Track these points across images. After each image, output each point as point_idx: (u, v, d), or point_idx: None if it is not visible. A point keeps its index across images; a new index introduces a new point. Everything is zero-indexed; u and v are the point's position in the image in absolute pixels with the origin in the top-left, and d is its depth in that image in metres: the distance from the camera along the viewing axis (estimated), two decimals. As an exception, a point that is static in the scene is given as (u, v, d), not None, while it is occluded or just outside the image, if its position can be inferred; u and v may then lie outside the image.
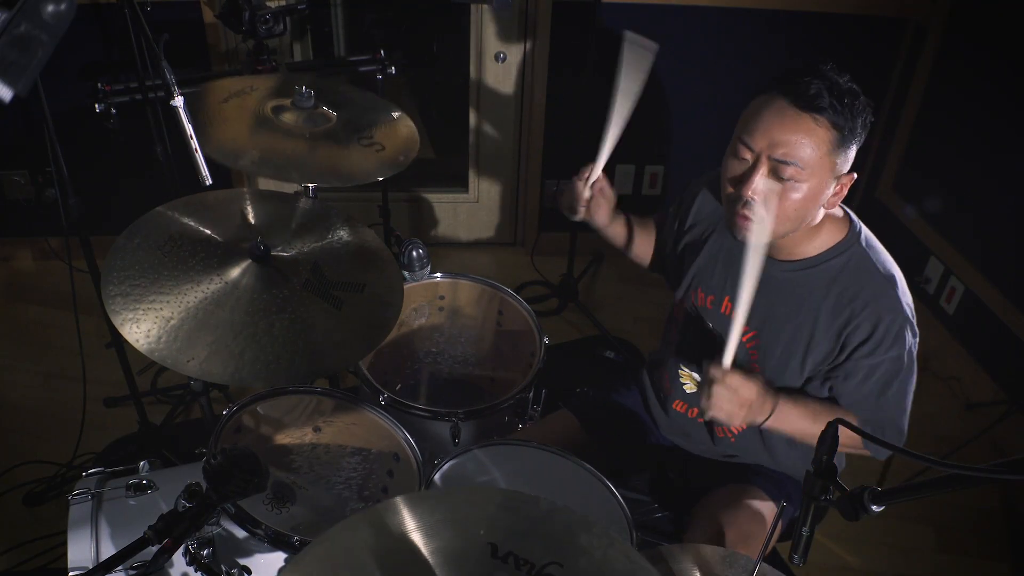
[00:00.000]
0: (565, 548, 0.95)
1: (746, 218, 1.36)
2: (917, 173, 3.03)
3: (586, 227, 3.00)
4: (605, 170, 1.67)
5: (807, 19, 2.89)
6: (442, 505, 0.97)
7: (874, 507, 0.98)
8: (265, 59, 2.29)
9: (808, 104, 1.28)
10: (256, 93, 1.91)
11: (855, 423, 1.47)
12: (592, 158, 1.66)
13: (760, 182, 1.33)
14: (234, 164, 1.74)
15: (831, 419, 1.05)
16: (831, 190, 1.37)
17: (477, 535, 0.95)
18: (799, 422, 1.45)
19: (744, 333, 1.52)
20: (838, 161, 1.34)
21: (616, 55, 1.56)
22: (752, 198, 1.34)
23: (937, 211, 2.91)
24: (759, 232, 1.33)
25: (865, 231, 1.47)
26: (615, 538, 0.97)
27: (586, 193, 1.65)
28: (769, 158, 1.32)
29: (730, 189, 1.39)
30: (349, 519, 0.94)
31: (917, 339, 1.45)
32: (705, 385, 1.37)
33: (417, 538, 0.93)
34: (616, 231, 1.77)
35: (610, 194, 1.68)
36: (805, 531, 1.08)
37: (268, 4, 2.27)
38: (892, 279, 1.42)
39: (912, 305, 1.43)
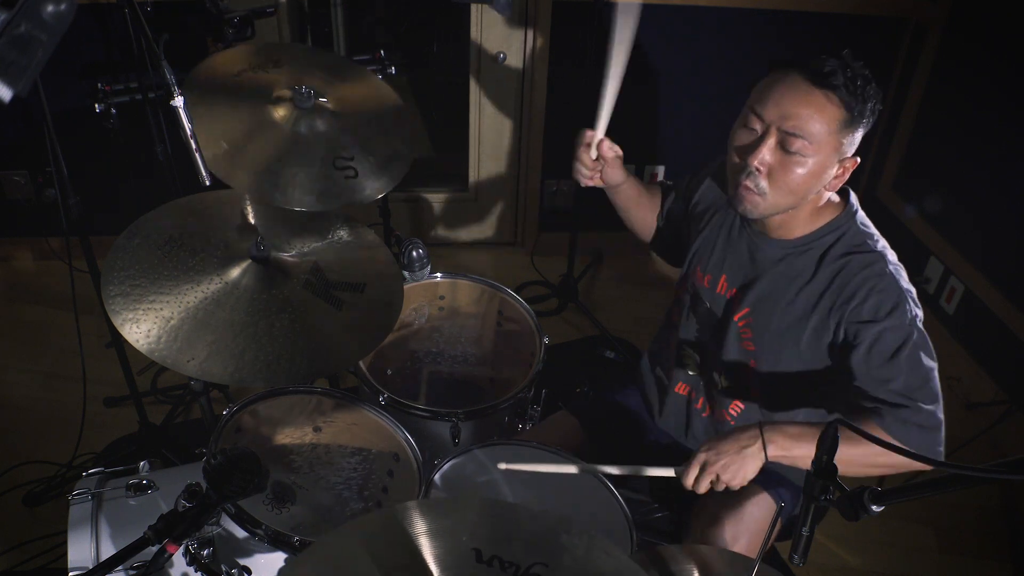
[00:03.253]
0: (548, 548, 0.96)
1: (748, 189, 1.38)
2: (917, 173, 3.03)
3: (586, 227, 3.02)
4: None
5: (807, 19, 2.88)
6: (421, 519, 0.97)
7: (874, 507, 0.97)
8: None
9: (822, 80, 1.30)
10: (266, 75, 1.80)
11: (864, 425, 1.39)
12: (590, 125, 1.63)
13: (767, 153, 1.34)
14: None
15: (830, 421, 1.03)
16: (834, 170, 1.38)
17: (460, 541, 0.96)
18: (797, 430, 1.37)
19: (736, 312, 1.53)
20: (844, 141, 1.35)
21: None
22: (758, 168, 1.36)
23: (937, 211, 2.90)
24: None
25: (860, 212, 1.47)
26: (593, 536, 0.98)
27: (592, 154, 1.60)
28: (778, 130, 1.33)
29: (736, 159, 1.40)
30: (325, 536, 0.94)
31: (921, 311, 1.42)
32: (704, 466, 1.35)
33: (400, 550, 0.93)
34: (627, 192, 1.71)
35: (617, 150, 1.63)
36: (805, 531, 1.07)
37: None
38: (883, 254, 1.42)
39: (907, 281, 1.41)
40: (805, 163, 1.34)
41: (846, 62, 1.32)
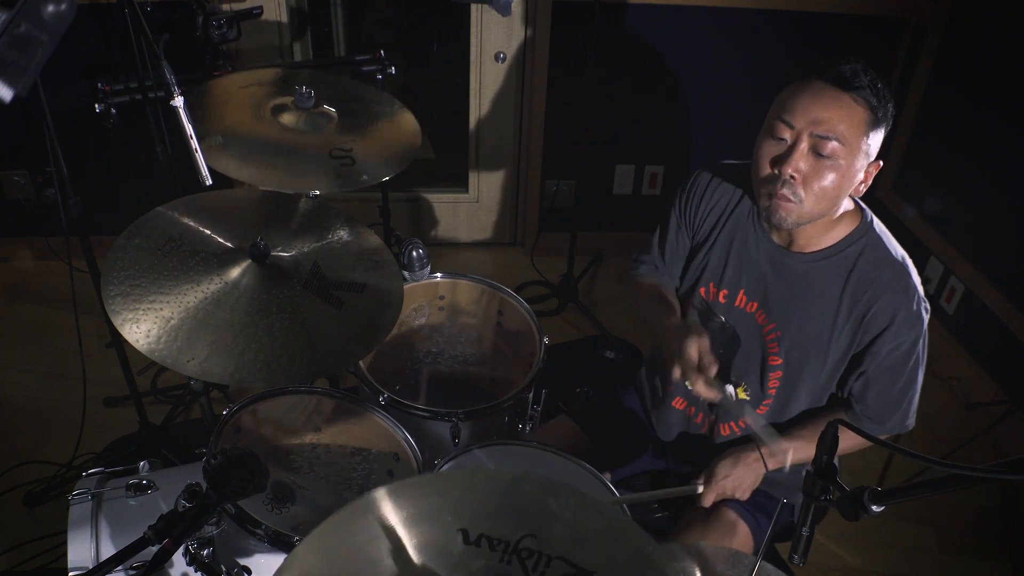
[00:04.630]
0: (535, 517, 0.92)
1: (785, 199, 1.37)
2: (917, 173, 3.03)
3: (586, 227, 3.02)
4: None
5: (807, 19, 2.89)
6: (404, 501, 0.93)
7: (874, 507, 0.97)
8: (221, 64, 2.28)
9: (847, 84, 1.32)
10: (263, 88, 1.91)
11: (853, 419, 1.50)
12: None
13: (800, 160, 1.34)
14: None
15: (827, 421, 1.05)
16: (862, 174, 1.38)
17: (445, 523, 0.91)
18: (788, 443, 1.49)
19: (762, 326, 1.53)
20: (871, 144, 1.36)
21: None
22: (793, 176, 1.35)
23: (937, 211, 2.90)
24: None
25: (876, 219, 1.49)
26: (581, 495, 0.93)
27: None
28: (810, 135, 1.33)
29: (768, 170, 1.39)
30: (308, 539, 0.91)
31: (928, 314, 1.46)
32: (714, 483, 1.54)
33: (383, 544, 0.90)
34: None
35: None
36: (805, 531, 1.07)
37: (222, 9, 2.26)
38: (905, 265, 1.44)
39: (920, 286, 1.46)
40: (838, 166, 1.34)
41: (863, 64, 1.33)
